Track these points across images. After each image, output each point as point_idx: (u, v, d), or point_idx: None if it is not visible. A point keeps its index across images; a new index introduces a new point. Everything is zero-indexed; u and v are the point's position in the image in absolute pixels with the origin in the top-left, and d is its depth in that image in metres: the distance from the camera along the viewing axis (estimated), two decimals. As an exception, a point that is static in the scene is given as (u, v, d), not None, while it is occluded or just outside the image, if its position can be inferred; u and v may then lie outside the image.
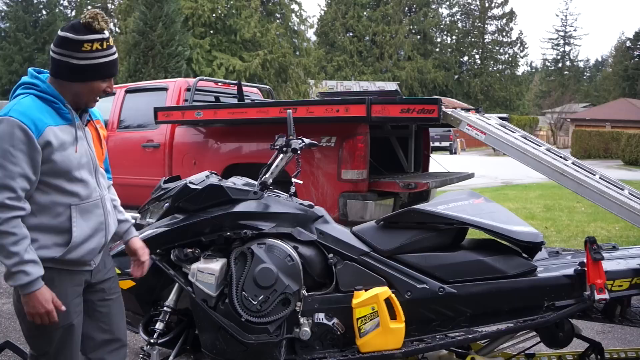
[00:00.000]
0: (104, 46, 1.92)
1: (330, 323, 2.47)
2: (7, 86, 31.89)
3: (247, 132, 5.19)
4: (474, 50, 56.80)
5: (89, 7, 39.65)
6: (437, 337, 2.48)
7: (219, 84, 6.75)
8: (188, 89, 5.89)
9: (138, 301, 2.71)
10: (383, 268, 2.52)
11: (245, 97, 6.12)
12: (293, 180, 2.71)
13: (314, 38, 48.15)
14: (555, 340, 2.60)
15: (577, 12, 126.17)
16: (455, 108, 4.53)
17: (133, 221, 2.35)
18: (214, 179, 2.67)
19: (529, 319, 2.45)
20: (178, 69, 20.77)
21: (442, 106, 4.12)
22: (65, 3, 39.90)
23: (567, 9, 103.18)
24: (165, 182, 2.75)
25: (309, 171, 4.62)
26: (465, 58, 57.20)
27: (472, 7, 56.59)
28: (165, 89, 6.10)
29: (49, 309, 1.87)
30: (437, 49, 55.66)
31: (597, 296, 2.33)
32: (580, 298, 2.41)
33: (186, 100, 5.82)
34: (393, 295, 2.42)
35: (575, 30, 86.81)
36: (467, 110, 4.82)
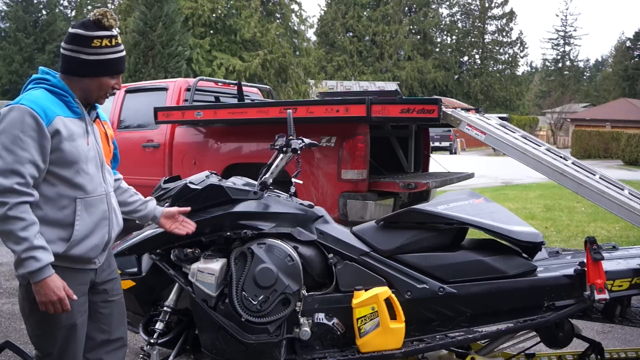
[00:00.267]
0: (113, 43, 1.98)
1: (330, 323, 2.47)
2: (7, 86, 31.93)
3: (247, 132, 5.19)
4: (474, 50, 56.80)
5: (89, 7, 39.80)
6: (437, 337, 2.48)
7: (219, 84, 6.75)
8: (188, 89, 5.90)
9: (138, 301, 2.71)
10: (383, 268, 2.52)
11: (245, 97, 6.12)
12: (293, 180, 2.71)
13: (314, 38, 48.20)
14: (555, 340, 2.60)
15: (577, 12, 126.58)
16: (455, 108, 4.53)
17: (153, 199, 2.42)
18: (214, 179, 2.66)
19: (529, 319, 2.45)
20: (178, 69, 20.77)
21: (442, 106, 4.12)
22: (65, 3, 39.93)
23: (567, 9, 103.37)
24: (165, 182, 2.75)
25: (309, 171, 4.62)
26: (465, 58, 57.20)
27: (472, 7, 56.61)
28: (165, 89, 6.10)
29: (61, 295, 1.86)
30: (437, 49, 55.66)
31: (597, 296, 2.33)
32: (580, 298, 2.41)
33: (186, 100, 5.82)
34: (393, 295, 2.42)
35: (575, 30, 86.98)
36: (467, 110, 4.82)
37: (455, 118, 4.19)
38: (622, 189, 3.82)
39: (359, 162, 4.49)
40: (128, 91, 6.34)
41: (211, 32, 26.79)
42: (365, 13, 52.27)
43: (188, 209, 2.46)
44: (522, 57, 64.07)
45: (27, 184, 1.84)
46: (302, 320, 2.49)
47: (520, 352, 2.85)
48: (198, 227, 2.49)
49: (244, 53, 26.86)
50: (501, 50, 56.16)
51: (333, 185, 4.58)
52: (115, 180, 2.28)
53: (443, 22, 56.91)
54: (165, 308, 2.64)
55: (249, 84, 7.57)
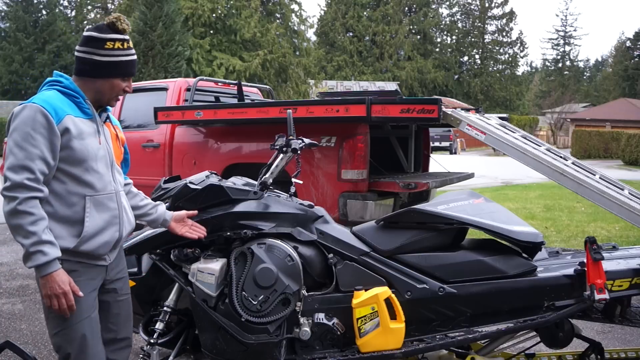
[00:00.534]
0: (125, 46, 2.07)
1: (330, 323, 2.47)
2: (7, 86, 31.93)
3: (247, 132, 5.19)
4: (474, 50, 56.80)
5: (89, 7, 39.79)
6: (437, 337, 2.47)
7: (219, 84, 6.75)
8: (188, 89, 5.89)
9: (138, 301, 2.71)
10: (383, 268, 2.52)
11: (245, 97, 6.12)
12: (293, 180, 2.71)
13: (314, 38, 48.21)
14: (555, 340, 2.59)
15: (577, 12, 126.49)
16: (455, 108, 4.53)
17: (162, 203, 2.46)
18: (214, 179, 2.66)
19: (529, 319, 2.45)
20: (178, 69, 20.78)
21: (442, 106, 4.12)
22: (65, 3, 39.89)
23: (567, 9, 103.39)
24: (165, 182, 2.76)
25: (309, 171, 4.62)
26: (465, 58, 57.19)
27: (472, 7, 56.59)
28: (165, 89, 6.10)
29: (65, 289, 1.91)
30: (437, 49, 55.66)
31: (597, 296, 2.33)
32: (580, 298, 2.41)
33: (186, 100, 5.82)
34: (393, 295, 2.42)
35: (575, 30, 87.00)
36: (467, 110, 4.82)
37: (455, 118, 4.19)
38: (622, 189, 3.82)
39: (359, 162, 4.48)
40: (128, 91, 6.32)
41: (211, 32, 26.79)
42: (365, 13, 52.26)
43: (195, 212, 2.48)
44: (522, 57, 64.14)
45: (36, 179, 1.89)
46: (302, 320, 2.49)
47: (520, 352, 2.85)
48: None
49: (244, 53, 26.87)
50: (501, 50, 56.15)
51: (333, 185, 4.58)
52: (125, 184, 2.33)
53: (443, 22, 56.91)
54: (165, 308, 2.64)
55: (249, 84, 7.57)
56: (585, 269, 2.39)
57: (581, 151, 27.02)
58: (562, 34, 64.43)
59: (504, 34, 56.01)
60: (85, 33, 2.07)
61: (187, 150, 5.58)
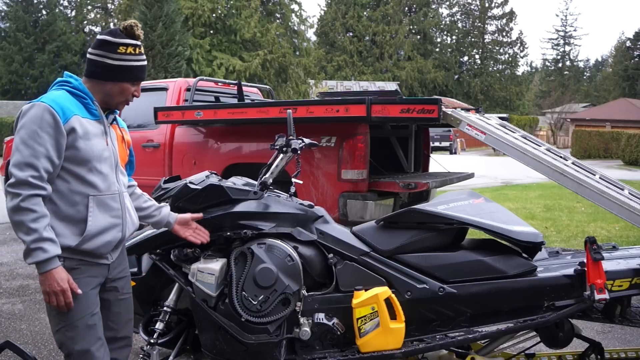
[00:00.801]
0: (137, 52, 2.11)
1: (330, 323, 2.47)
2: (7, 86, 31.92)
3: (247, 132, 5.19)
4: (474, 50, 56.79)
5: (89, 7, 39.77)
6: (437, 337, 2.47)
7: (219, 84, 6.75)
8: (188, 89, 5.89)
9: (138, 301, 2.71)
10: (383, 268, 2.52)
11: (245, 97, 6.12)
12: (293, 180, 2.71)
13: (314, 38, 48.19)
14: (555, 340, 2.59)
15: (577, 12, 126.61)
16: (455, 108, 4.53)
17: (167, 205, 2.47)
18: (214, 179, 2.66)
19: (529, 319, 2.45)
20: (178, 69, 20.78)
21: (442, 106, 4.12)
22: (65, 3, 39.86)
23: (567, 9, 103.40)
24: (165, 182, 2.76)
25: (309, 171, 4.62)
26: (465, 58, 57.19)
27: (472, 7, 56.59)
28: (165, 89, 6.10)
29: (64, 287, 1.93)
30: (437, 49, 55.66)
31: (597, 296, 2.33)
32: (580, 298, 2.41)
33: (186, 100, 5.82)
34: (393, 295, 2.42)
35: (575, 30, 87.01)
36: (467, 110, 4.82)
37: (455, 118, 4.19)
38: (622, 189, 3.82)
39: (359, 162, 4.48)
40: (128, 91, 6.33)
41: (211, 32, 26.79)
42: (365, 13, 52.26)
43: (200, 215, 2.49)
44: (522, 57, 64.14)
45: (40, 177, 1.92)
46: (302, 320, 2.49)
47: (520, 352, 2.85)
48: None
49: (244, 53, 26.87)
50: (501, 50, 56.15)
51: (333, 185, 4.58)
52: (130, 186, 2.35)
53: (443, 22, 56.90)
54: (165, 308, 2.64)
55: (249, 84, 7.57)
56: (585, 269, 2.39)
57: (581, 151, 27.02)
58: (562, 34, 64.47)
59: (504, 34, 56.03)
60: (99, 36, 2.11)
61: (187, 150, 5.58)
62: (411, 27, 53.38)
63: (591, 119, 34.83)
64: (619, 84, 56.08)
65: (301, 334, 2.47)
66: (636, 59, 55.55)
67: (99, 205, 2.04)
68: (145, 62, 2.16)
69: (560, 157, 4.13)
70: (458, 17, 57.73)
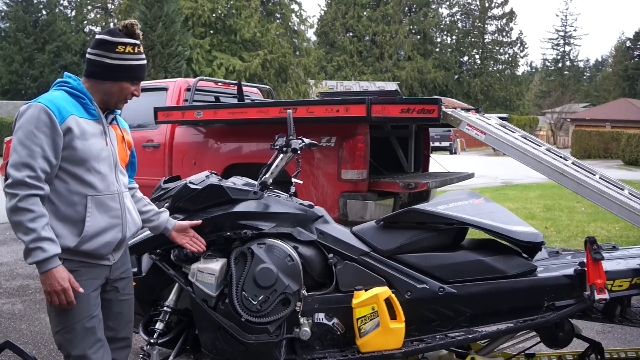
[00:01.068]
0: (136, 51, 2.11)
1: (330, 323, 2.47)
2: (7, 86, 31.92)
3: (247, 132, 5.19)
4: (474, 50, 56.80)
5: (89, 7, 39.76)
6: (437, 337, 2.47)
7: (219, 84, 6.75)
8: (188, 89, 5.89)
9: (138, 301, 2.70)
10: (383, 268, 2.52)
11: (245, 97, 6.11)
12: (293, 180, 2.71)
13: (314, 38, 48.19)
14: (555, 340, 2.59)
15: (577, 12, 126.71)
16: (455, 108, 4.52)
17: (166, 210, 2.47)
18: (214, 179, 2.66)
19: (529, 319, 2.45)
20: (178, 69, 20.79)
21: (442, 106, 4.12)
22: (65, 3, 39.84)
23: (567, 9, 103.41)
24: (165, 182, 2.75)
25: (309, 171, 4.62)
26: (465, 58, 57.20)
27: (472, 7, 56.60)
28: (165, 89, 6.10)
29: (65, 286, 1.93)
30: (437, 49, 55.67)
31: (597, 296, 2.33)
32: (580, 298, 2.41)
33: (186, 100, 5.82)
34: (393, 295, 2.42)
35: (575, 30, 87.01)
36: (467, 110, 4.82)
37: (455, 118, 4.19)
38: (622, 189, 3.82)
39: (359, 162, 4.48)
40: (128, 91, 6.33)
41: (211, 32, 26.79)
42: (365, 13, 52.27)
43: (199, 222, 2.48)
44: (522, 57, 64.15)
45: (37, 177, 1.91)
46: (302, 320, 2.49)
47: (520, 352, 2.85)
48: (198, 227, 2.49)
49: (244, 53, 26.87)
50: (501, 50, 56.16)
51: (333, 185, 4.58)
52: (130, 189, 2.34)
53: (443, 22, 56.91)
54: (165, 308, 2.64)
55: (249, 84, 7.57)
56: (585, 269, 2.39)
57: (581, 151, 27.02)
58: (562, 34, 64.48)
59: (504, 34, 56.03)
60: (97, 36, 2.10)
61: (187, 150, 5.57)
62: (411, 27, 53.38)
63: (591, 119, 34.83)
64: (619, 84, 56.08)
65: (301, 334, 2.47)
66: (636, 59, 55.55)
67: (97, 206, 2.03)
68: (144, 62, 2.15)
69: (560, 157, 4.13)
70: (458, 17, 57.76)
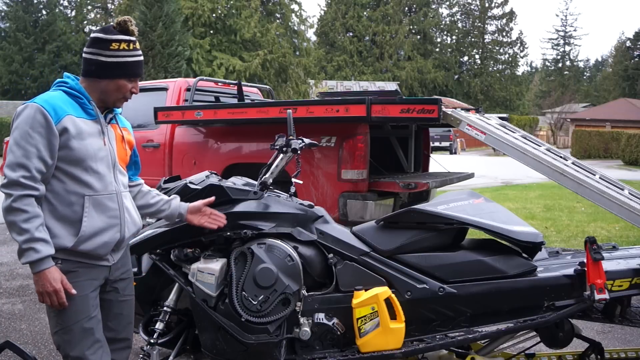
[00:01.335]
0: (131, 47, 2.07)
1: (330, 323, 2.47)
2: (7, 86, 31.92)
3: (247, 132, 5.19)
4: (474, 50, 56.80)
5: (89, 7, 39.77)
6: (437, 337, 2.47)
7: (219, 84, 6.75)
8: (188, 89, 5.89)
9: (138, 301, 2.70)
10: (383, 268, 2.52)
11: (245, 97, 6.11)
12: (293, 180, 2.71)
13: (314, 38, 48.19)
14: (555, 340, 2.59)
15: (577, 12, 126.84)
16: (455, 108, 4.53)
17: (176, 197, 2.46)
18: (214, 179, 2.67)
19: (529, 319, 2.45)
20: (178, 69, 20.79)
21: (442, 106, 4.12)
22: (65, 3, 39.86)
23: (567, 9, 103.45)
24: (165, 182, 2.76)
25: (309, 171, 4.62)
26: (465, 58, 57.20)
27: (472, 7, 56.60)
28: (165, 89, 6.10)
29: (56, 287, 1.92)
30: (437, 49, 55.66)
31: (597, 296, 2.33)
32: (580, 298, 2.41)
33: (186, 100, 5.82)
34: (393, 295, 2.42)
35: (575, 30, 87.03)
36: (467, 110, 4.82)
37: (455, 118, 4.19)
38: (622, 189, 3.82)
39: (359, 162, 4.48)
40: (128, 91, 6.33)
41: (211, 32, 26.79)
42: (365, 13, 52.26)
43: (212, 199, 2.47)
44: (522, 57, 64.18)
45: (32, 177, 1.91)
46: (302, 320, 2.49)
47: (520, 352, 2.85)
48: (198, 227, 2.49)
49: (244, 53, 26.87)
50: (501, 50, 56.16)
51: (333, 185, 4.58)
52: (137, 185, 2.35)
53: (443, 22, 56.91)
54: (165, 308, 2.64)
55: (249, 84, 7.57)
56: (585, 269, 2.39)
57: (581, 151, 27.02)
58: (562, 34, 64.48)
59: (504, 34, 56.03)
60: (92, 34, 2.09)
61: (187, 150, 5.58)
62: (411, 27, 53.38)
63: (591, 119, 34.82)
64: (619, 84, 56.08)
65: (301, 334, 2.47)
66: (636, 59, 55.55)
67: (95, 206, 2.02)
68: (140, 58, 2.12)
69: (560, 157, 4.13)
70: (458, 17, 57.76)
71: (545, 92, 58.91)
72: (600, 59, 78.19)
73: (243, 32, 26.44)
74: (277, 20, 31.10)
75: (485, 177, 15.30)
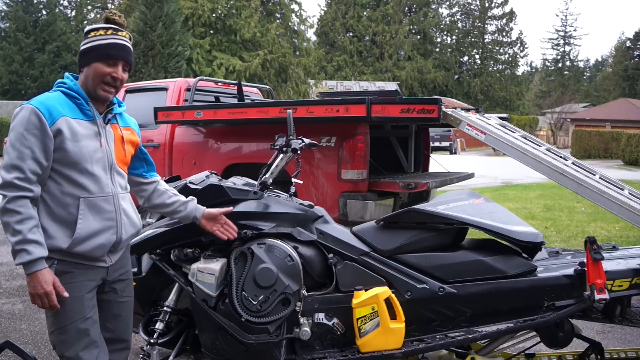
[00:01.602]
0: (108, 33, 2.06)
1: (330, 323, 2.47)
2: (7, 86, 31.93)
3: (247, 132, 5.19)
4: (474, 50, 56.80)
5: (89, 7, 39.76)
6: (437, 337, 2.47)
7: (219, 84, 6.75)
8: (188, 89, 5.89)
9: (138, 301, 2.70)
10: (383, 268, 2.52)
11: (245, 97, 6.12)
12: (293, 180, 2.71)
13: (314, 38, 48.19)
14: (555, 340, 2.59)
15: (577, 12, 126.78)
16: (455, 108, 4.53)
17: (194, 199, 2.44)
18: (214, 179, 2.67)
19: (529, 319, 2.45)
20: (178, 69, 20.77)
21: (442, 106, 4.12)
22: (65, 3, 39.86)
23: (567, 9, 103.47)
24: (166, 182, 2.75)
25: (309, 171, 4.62)
26: (465, 58, 57.20)
27: (472, 7, 56.60)
28: (165, 89, 6.10)
29: (47, 290, 1.92)
30: (437, 49, 55.67)
31: (597, 296, 2.33)
32: (580, 298, 2.41)
33: (186, 100, 5.82)
34: (393, 295, 2.42)
35: (575, 30, 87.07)
36: (467, 110, 4.82)
37: (455, 118, 4.19)
38: (622, 189, 3.82)
39: (359, 162, 4.48)
40: (128, 91, 6.34)
41: (211, 32, 26.78)
42: (365, 13, 52.27)
43: (230, 209, 2.47)
44: (522, 57, 64.19)
45: (26, 179, 1.91)
46: (302, 320, 2.49)
47: (520, 352, 2.85)
48: (198, 227, 2.49)
49: (244, 53, 26.86)
50: (501, 50, 56.16)
51: (333, 185, 4.58)
52: (152, 182, 2.35)
53: (443, 22, 56.91)
54: (165, 308, 2.64)
55: (249, 84, 7.57)
56: (585, 269, 2.39)
57: (581, 151, 27.02)
58: (562, 34, 64.48)
59: (504, 34, 56.03)
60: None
61: (187, 150, 5.58)
62: (411, 27, 53.38)
63: (591, 119, 34.82)
64: (619, 84, 56.08)
65: (301, 334, 2.47)
66: (636, 59, 55.54)
67: (90, 208, 2.01)
68: (117, 41, 2.05)
69: (560, 157, 4.13)
70: (458, 17, 57.75)
71: (545, 92, 58.91)
72: (600, 59, 78.30)
73: (243, 32, 26.44)
74: (277, 20, 31.09)
75: (485, 177, 15.30)
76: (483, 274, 2.46)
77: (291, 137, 2.56)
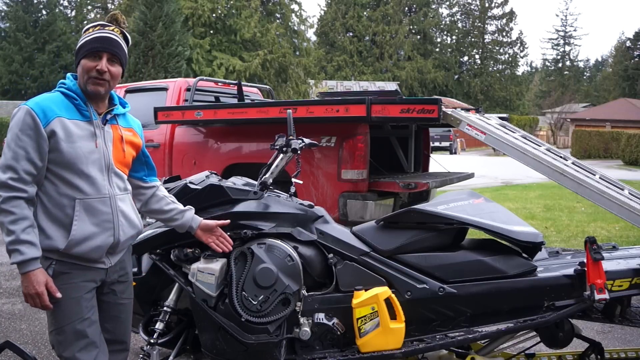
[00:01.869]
0: (96, 29, 2.07)
1: (330, 323, 2.47)
2: (7, 86, 31.91)
3: (247, 132, 5.19)
4: (474, 50, 56.80)
5: (89, 7, 39.76)
6: (437, 337, 2.47)
7: (219, 84, 6.75)
8: (188, 89, 5.90)
9: (138, 301, 2.70)
10: (383, 268, 2.52)
11: (245, 97, 6.12)
12: (293, 180, 2.71)
13: (314, 38, 48.18)
14: (555, 340, 2.59)
15: (577, 12, 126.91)
16: (455, 108, 4.53)
17: (192, 208, 2.42)
18: (214, 179, 2.66)
19: (529, 319, 2.45)
20: (178, 69, 20.76)
21: (442, 106, 4.12)
22: (65, 3, 39.85)
23: (567, 9, 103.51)
24: (165, 182, 2.75)
25: (309, 171, 4.62)
26: (465, 58, 57.21)
27: (472, 7, 56.61)
28: (165, 89, 6.10)
29: (39, 290, 1.92)
30: (437, 49, 55.67)
31: (597, 296, 2.33)
32: (580, 298, 2.41)
33: (186, 100, 5.82)
34: (393, 295, 2.42)
35: (575, 30, 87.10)
36: (467, 110, 4.82)
37: (455, 118, 4.19)
38: (622, 189, 3.82)
39: (359, 162, 4.49)
40: (128, 91, 6.34)
41: (211, 32, 26.77)
42: (365, 13, 52.27)
43: (227, 222, 2.46)
44: (522, 57, 64.22)
45: (20, 179, 1.91)
46: (302, 320, 2.49)
47: (520, 352, 2.85)
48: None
49: (244, 53, 26.85)
50: (501, 50, 56.17)
51: (333, 185, 4.58)
52: (151, 187, 2.33)
53: (443, 22, 56.92)
54: (165, 308, 2.64)
55: (249, 84, 7.57)
56: (585, 269, 2.39)
57: (581, 151, 27.02)
58: (562, 34, 64.49)
59: (504, 34, 56.03)
60: None
61: (187, 150, 5.58)
62: (411, 27, 53.39)
63: (591, 119, 34.82)
64: (619, 84, 56.07)
65: (301, 334, 2.47)
66: (636, 59, 55.54)
67: (86, 209, 2.00)
68: (101, 34, 2.04)
69: (560, 157, 4.13)
70: (458, 17, 57.76)
71: (545, 92, 58.92)
72: (600, 59, 78.32)
73: (243, 32, 26.42)
74: (277, 20, 31.08)
75: (485, 177, 15.30)
76: (483, 274, 2.46)
77: (291, 137, 2.56)
